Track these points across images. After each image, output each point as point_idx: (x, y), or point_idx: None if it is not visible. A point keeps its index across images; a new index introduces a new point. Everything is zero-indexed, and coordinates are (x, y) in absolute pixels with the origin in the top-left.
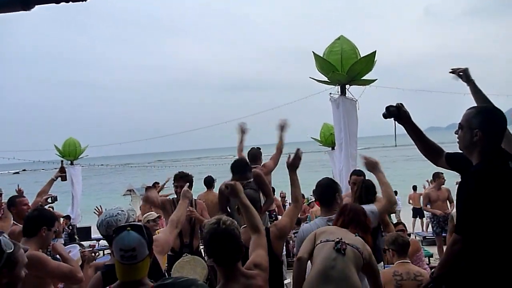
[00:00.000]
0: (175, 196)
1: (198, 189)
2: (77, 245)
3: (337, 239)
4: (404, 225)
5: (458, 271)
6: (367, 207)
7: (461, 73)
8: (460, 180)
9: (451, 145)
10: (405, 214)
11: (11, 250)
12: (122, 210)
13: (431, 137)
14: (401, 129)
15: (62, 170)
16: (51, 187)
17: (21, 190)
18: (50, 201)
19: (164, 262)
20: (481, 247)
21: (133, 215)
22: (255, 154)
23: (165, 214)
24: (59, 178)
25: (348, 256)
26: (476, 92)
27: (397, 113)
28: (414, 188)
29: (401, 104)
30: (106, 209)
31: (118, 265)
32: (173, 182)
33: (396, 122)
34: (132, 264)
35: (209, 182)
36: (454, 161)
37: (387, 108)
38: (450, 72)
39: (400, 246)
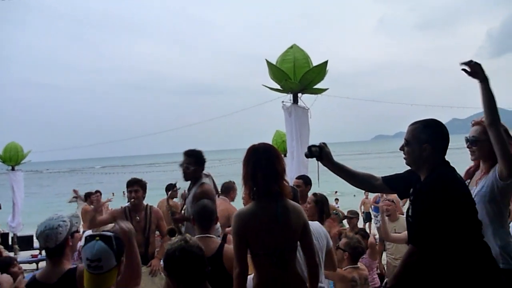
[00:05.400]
0: (128, 204)
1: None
2: None
3: None
4: (364, 230)
5: (413, 282)
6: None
7: (472, 71)
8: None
9: (398, 153)
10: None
11: None
12: (64, 220)
13: (379, 145)
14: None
15: None
16: None
17: None
18: None
19: None
20: (437, 259)
21: (76, 222)
22: (228, 187)
23: None
24: None
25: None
26: (486, 95)
27: (319, 153)
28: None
29: (324, 143)
30: (47, 218)
31: (86, 274)
32: (126, 187)
33: (318, 162)
34: (99, 274)
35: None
36: (393, 182)
37: (309, 148)
38: (462, 67)
39: (357, 254)
